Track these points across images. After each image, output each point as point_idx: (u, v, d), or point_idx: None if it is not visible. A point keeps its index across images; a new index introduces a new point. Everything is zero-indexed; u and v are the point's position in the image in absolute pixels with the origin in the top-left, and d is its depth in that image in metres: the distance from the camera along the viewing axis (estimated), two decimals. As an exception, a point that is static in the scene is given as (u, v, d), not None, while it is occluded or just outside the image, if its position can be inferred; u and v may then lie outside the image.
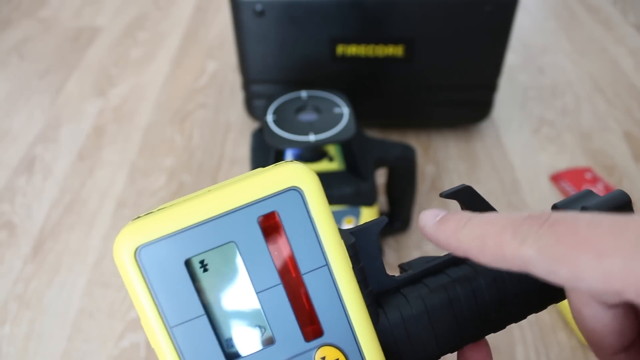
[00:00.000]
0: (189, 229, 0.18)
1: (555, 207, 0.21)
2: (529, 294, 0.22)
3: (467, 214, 0.19)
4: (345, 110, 0.52)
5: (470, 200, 0.22)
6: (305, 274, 0.19)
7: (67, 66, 0.88)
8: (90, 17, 1.02)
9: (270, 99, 0.54)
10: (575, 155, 0.70)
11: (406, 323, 0.21)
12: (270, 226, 0.19)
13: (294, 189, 0.19)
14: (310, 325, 0.19)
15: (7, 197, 0.65)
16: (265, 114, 0.52)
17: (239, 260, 0.19)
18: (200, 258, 0.19)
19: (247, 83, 0.68)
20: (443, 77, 0.66)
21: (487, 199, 0.22)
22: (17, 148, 0.72)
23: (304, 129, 0.49)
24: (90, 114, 0.78)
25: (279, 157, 0.52)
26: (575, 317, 0.20)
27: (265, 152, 0.53)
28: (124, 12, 1.04)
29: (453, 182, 0.66)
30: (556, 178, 0.66)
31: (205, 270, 0.19)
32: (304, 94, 0.54)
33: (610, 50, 0.90)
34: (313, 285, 0.19)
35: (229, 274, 0.19)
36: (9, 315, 0.53)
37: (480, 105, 0.70)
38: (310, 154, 0.53)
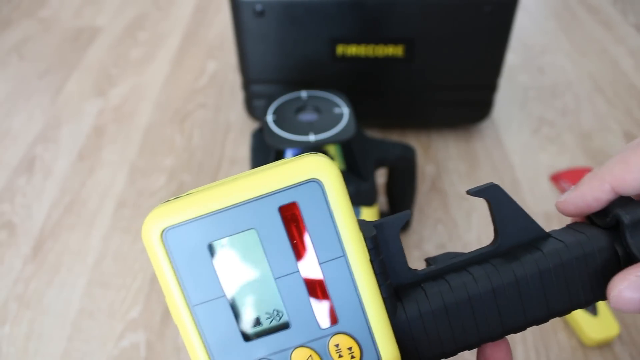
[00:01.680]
0: (213, 214, 0.19)
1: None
2: (551, 298, 0.22)
3: None
4: (345, 110, 0.52)
5: (497, 199, 0.22)
6: (322, 263, 0.20)
7: (67, 66, 0.88)
8: (90, 17, 1.02)
9: (270, 99, 0.54)
10: (575, 155, 0.70)
11: (424, 318, 0.21)
12: (290, 215, 0.19)
13: (314, 181, 0.19)
14: (326, 312, 0.20)
15: (7, 197, 0.65)
16: (265, 114, 0.52)
17: (259, 247, 0.19)
18: (222, 242, 0.19)
19: (247, 83, 0.68)
20: (443, 77, 0.66)
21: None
22: (17, 148, 0.72)
23: (304, 129, 0.49)
24: (90, 114, 0.78)
25: (278, 157, 0.52)
26: None
27: (265, 152, 0.53)
28: (124, 12, 1.04)
29: (453, 182, 0.66)
30: (556, 178, 0.66)
31: (227, 254, 0.20)
32: (304, 94, 0.54)
33: (610, 50, 0.90)
34: (330, 274, 0.20)
35: (249, 259, 0.20)
36: (9, 315, 0.53)
37: (480, 105, 0.70)
38: (310, 154, 0.53)
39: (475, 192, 0.22)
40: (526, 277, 0.21)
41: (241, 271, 0.20)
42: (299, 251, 0.20)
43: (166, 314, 0.52)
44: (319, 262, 0.20)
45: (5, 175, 0.68)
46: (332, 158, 0.53)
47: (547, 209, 0.62)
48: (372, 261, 0.20)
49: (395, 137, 0.73)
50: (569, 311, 0.22)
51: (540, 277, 0.21)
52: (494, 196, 0.22)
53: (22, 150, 0.72)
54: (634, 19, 0.98)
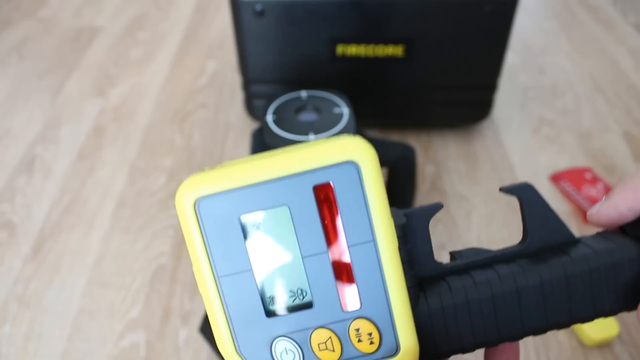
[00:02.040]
0: (247, 188, 0.19)
1: None
2: (575, 304, 0.22)
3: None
4: (345, 110, 0.52)
5: (529, 198, 0.22)
6: (351, 246, 0.20)
7: (67, 66, 0.88)
8: (90, 17, 1.02)
9: (270, 99, 0.54)
10: (575, 155, 0.70)
11: (445, 311, 0.21)
12: (324, 196, 0.19)
13: (351, 163, 0.19)
14: (350, 296, 0.20)
15: (7, 197, 0.65)
16: (265, 114, 0.52)
17: (290, 224, 0.19)
18: (254, 217, 0.19)
19: (247, 83, 0.68)
20: (443, 77, 0.66)
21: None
22: (17, 148, 0.72)
23: (304, 129, 0.49)
24: (90, 114, 0.78)
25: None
26: None
27: (265, 152, 0.53)
28: (124, 12, 1.04)
29: (453, 182, 0.66)
30: (556, 178, 0.66)
31: (258, 229, 0.19)
32: (304, 94, 0.54)
33: (610, 50, 0.90)
34: (357, 258, 0.20)
35: (279, 236, 0.20)
36: (9, 315, 0.53)
37: (480, 105, 0.70)
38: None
39: (508, 190, 0.22)
40: (551, 281, 0.21)
41: (270, 247, 0.20)
42: (329, 232, 0.20)
43: (166, 314, 0.52)
44: (348, 244, 0.20)
45: (5, 175, 0.68)
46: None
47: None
48: (399, 249, 0.20)
49: (395, 137, 0.73)
50: (591, 319, 0.22)
51: (566, 281, 0.21)
52: (526, 195, 0.22)
53: (22, 150, 0.72)
54: (634, 19, 0.98)
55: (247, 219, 0.19)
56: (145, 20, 1.01)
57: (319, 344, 0.20)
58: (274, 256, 0.20)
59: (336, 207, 0.19)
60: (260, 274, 0.20)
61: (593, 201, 0.60)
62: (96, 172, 0.68)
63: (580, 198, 0.61)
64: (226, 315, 0.20)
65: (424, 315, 0.21)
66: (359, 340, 0.20)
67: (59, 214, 0.63)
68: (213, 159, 0.70)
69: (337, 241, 0.20)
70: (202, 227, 0.19)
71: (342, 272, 0.20)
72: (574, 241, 0.23)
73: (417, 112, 0.71)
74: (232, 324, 0.20)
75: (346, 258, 0.20)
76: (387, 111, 0.70)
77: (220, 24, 0.99)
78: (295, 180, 0.19)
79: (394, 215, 0.21)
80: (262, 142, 0.54)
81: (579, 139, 0.72)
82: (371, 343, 0.20)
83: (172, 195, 0.65)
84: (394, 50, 0.63)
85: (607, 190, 0.62)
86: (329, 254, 0.20)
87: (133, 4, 1.06)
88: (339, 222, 0.19)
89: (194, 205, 0.19)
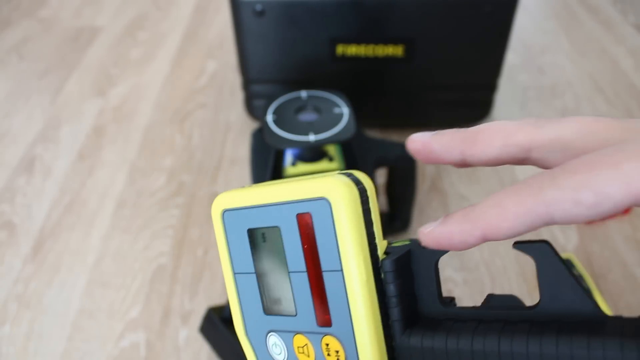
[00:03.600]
0: (254, 208, 0.23)
1: None
2: None
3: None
4: (345, 110, 0.52)
5: (543, 259, 0.19)
6: (324, 271, 0.22)
7: (67, 66, 0.88)
8: (90, 17, 1.02)
9: (270, 99, 0.54)
10: (575, 155, 0.69)
11: (424, 352, 0.21)
12: (305, 223, 0.22)
13: (324, 199, 0.21)
14: (323, 314, 0.22)
15: (7, 197, 0.65)
16: (265, 114, 0.52)
17: (280, 242, 0.23)
18: (258, 232, 0.23)
19: (247, 83, 0.68)
20: (443, 77, 0.66)
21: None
22: (17, 148, 0.72)
23: (304, 129, 0.49)
24: (90, 114, 0.78)
25: (278, 157, 0.52)
26: None
27: (265, 152, 0.53)
28: (124, 12, 1.04)
29: (453, 182, 0.66)
30: (556, 178, 0.65)
31: (264, 240, 0.23)
32: (304, 94, 0.54)
33: (610, 50, 0.90)
34: (329, 283, 0.22)
35: (273, 250, 0.23)
36: (9, 315, 0.53)
37: (480, 105, 0.70)
38: (310, 154, 0.53)
39: (522, 247, 0.20)
40: (539, 356, 0.18)
41: (267, 258, 0.23)
42: (308, 255, 0.22)
43: (166, 314, 0.52)
44: (322, 269, 0.22)
45: (5, 175, 0.68)
46: (332, 158, 0.53)
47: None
48: (388, 282, 0.21)
49: (395, 137, 0.73)
50: None
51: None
52: (540, 256, 0.20)
53: (22, 150, 0.72)
54: (634, 19, 0.98)
55: (253, 232, 0.23)
56: (145, 20, 1.01)
57: (298, 347, 0.23)
58: (270, 266, 0.23)
59: (314, 234, 0.22)
60: (261, 278, 0.24)
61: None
62: (96, 172, 0.68)
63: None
64: (239, 304, 0.25)
65: (405, 350, 0.22)
66: (329, 354, 0.22)
67: (59, 214, 0.63)
68: (213, 159, 0.70)
69: (314, 264, 0.22)
70: (225, 233, 0.24)
71: (318, 291, 0.22)
72: (598, 319, 0.19)
73: (417, 112, 0.71)
74: (243, 312, 0.25)
75: (321, 280, 0.22)
76: (387, 111, 0.70)
77: (220, 24, 0.99)
78: (286, 207, 0.22)
79: (397, 247, 0.22)
80: (262, 142, 0.54)
81: (579, 139, 0.72)
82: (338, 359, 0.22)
83: (172, 195, 0.65)
84: (394, 50, 0.63)
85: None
86: (308, 273, 0.22)
87: (133, 4, 1.06)
88: (315, 248, 0.22)
89: (221, 214, 0.24)
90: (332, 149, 0.54)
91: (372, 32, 0.62)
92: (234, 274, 0.25)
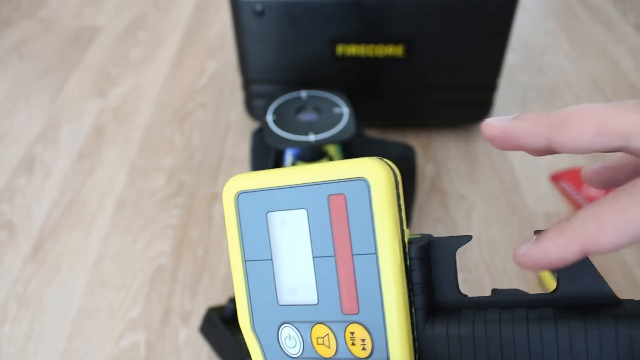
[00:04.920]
0: (276, 189, 0.22)
1: None
2: None
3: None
4: (345, 110, 0.52)
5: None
6: (355, 255, 0.21)
7: (67, 66, 0.88)
8: (90, 17, 1.02)
9: (270, 99, 0.54)
10: (575, 156, 0.70)
11: (450, 340, 0.21)
12: (337, 205, 0.21)
13: (363, 180, 0.21)
14: (349, 300, 0.21)
15: (7, 197, 0.65)
16: (265, 114, 0.52)
17: (306, 226, 0.22)
18: (278, 214, 0.22)
19: (247, 83, 0.68)
20: (443, 77, 0.66)
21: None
22: (17, 148, 0.72)
23: (304, 129, 0.49)
24: (90, 114, 0.78)
25: (279, 157, 0.52)
26: None
27: (265, 152, 0.53)
28: (124, 12, 1.04)
29: (453, 182, 0.66)
30: (556, 178, 0.66)
31: (281, 226, 0.22)
32: (303, 94, 0.54)
33: (610, 50, 0.90)
34: (360, 267, 0.21)
35: (297, 235, 0.22)
36: (9, 315, 0.53)
37: (480, 105, 0.70)
38: (310, 154, 0.53)
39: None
40: (568, 336, 0.19)
41: (288, 243, 0.22)
42: (338, 238, 0.21)
43: (166, 314, 0.52)
44: (352, 253, 0.21)
45: (5, 175, 0.68)
46: (332, 158, 0.53)
47: (546, 209, 0.62)
48: (413, 269, 0.21)
49: (395, 137, 0.73)
50: None
51: (585, 342, 0.19)
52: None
53: (22, 150, 0.72)
54: (634, 19, 0.98)
55: (273, 215, 0.22)
56: (145, 20, 1.01)
57: (317, 338, 0.22)
58: (290, 251, 0.22)
59: (347, 216, 0.21)
60: (277, 265, 0.22)
61: (593, 201, 0.60)
62: (96, 172, 0.68)
63: (581, 198, 0.61)
64: (247, 296, 0.23)
65: (429, 339, 0.21)
66: (353, 344, 0.21)
67: (59, 214, 0.63)
68: (213, 159, 0.70)
69: (344, 248, 0.21)
70: (238, 216, 0.23)
71: (346, 277, 0.21)
72: (613, 302, 0.20)
73: (417, 112, 0.71)
74: (251, 304, 0.23)
75: (350, 265, 0.21)
76: (387, 111, 0.70)
77: (220, 24, 0.99)
78: (314, 188, 0.21)
79: (416, 238, 0.22)
80: (262, 142, 0.54)
81: (579, 139, 0.72)
82: (363, 349, 0.21)
83: (172, 195, 0.65)
84: (394, 50, 0.63)
85: (607, 191, 0.62)
86: (336, 258, 0.21)
87: (133, 4, 1.06)
88: (347, 231, 0.21)
89: (235, 197, 0.23)
90: (332, 149, 0.54)
91: (372, 32, 0.62)
92: (245, 261, 0.23)
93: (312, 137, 0.48)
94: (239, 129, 0.75)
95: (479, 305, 0.22)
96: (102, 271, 0.57)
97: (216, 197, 0.64)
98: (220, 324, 0.46)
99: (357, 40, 0.63)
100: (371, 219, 0.21)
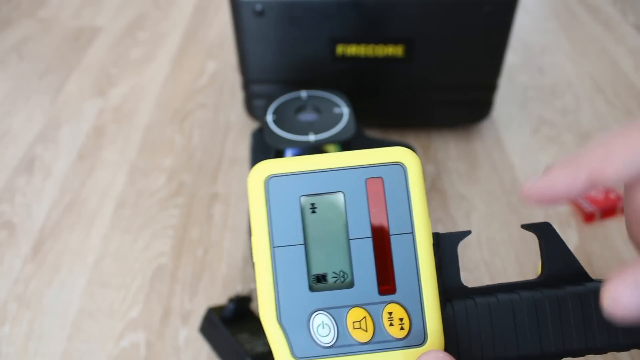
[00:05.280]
0: (311, 173, 0.23)
1: None
2: (590, 333, 0.22)
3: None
4: (345, 110, 0.52)
5: (547, 236, 0.24)
6: (393, 235, 0.22)
7: (67, 66, 0.88)
8: (90, 17, 1.02)
9: (270, 99, 0.54)
10: (575, 155, 0.70)
11: (469, 320, 0.23)
12: (374, 188, 0.22)
13: (400, 165, 0.23)
14: (386, 281, 0.22)
15: (6, 197, 0.65)
16: (265, 114, 0.52)
17: (342, 209, 0.22)
18: (313, 198, 0.23)
19: (247, 83, 0.68)
20: (443, 77, 0.66)
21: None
22: (17, 148, 0.72)
23: (304, 129, 0.49)
24: (90, 114, 0.78)
25: (278, 157, 0.52)
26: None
27: (265, 152, 0.53)
28: (124, 12, 1.04)
29: (453, 182, 0.66)
30: (556, 178, 0.65)
31: (314, 210, 0.23)
32: (303, 94, 0.54)
33: (610, 50, 0.90)
34: (397, 246, 0.22)
35: (332, 218, 0.23)
36: (8, 315, 0.53)
37: (480, 105, 0.70)
38: (310, 154, 0.53)
39: (528, 227, 0.24)
40: (568, 307, 0.22)
41: (322, 227, 0.22)
42: (375, 220, 0.22)
43: (166, 314, 0.52)
44: (390, 233, 0.22)
45: (5, 175, 0.68)
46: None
47: (546, 210, 0.62)
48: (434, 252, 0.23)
49: (395, 137, 0.73)
50: (606, 351, 0.23)
51: (582, 311, 0.22)
52: (545, 233, 0.24)
53: (22, 150, 0.72)
54: (634, 19, 0.98)
55: (306, 199, 0.23)
56: (145, 20, 1.01)
57: (353, 322, 0.22)
58: (324, 235, 0.22)
59: (384, 198, 0.22)
60: (310, 250, 0.22)
61: (593, 201, 0.60)
62: (96, 172, 0.68)
63: (580, 198, 0.61)
64: (274, 285, 0.22)
65: (450, 318, 0.23)
66: (391, 324, 0.22)
67: (59, 214, 0.63)
68: (213, 159, 0.70)
69: (381, 229, 0.22)
70: (267, 201, 0.23)
71: (383, 257, 0.22)
72: (587, 278, 0.24)
73: (417, 112, 0.71)
74: (277, 294, 0.22)
75: (387, 245, 0.22)
76: (387, 111, 0.70)
77: (220, 24, 0.99)
78: (352, 172, 0.23)
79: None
80: (262, 142, 0.54)
81: (578, 139, 0.72)
82: (401, 329, 0.22)
83: (172, 195, 0.65)
84: (394, 50, 0.63)
85: (607, 190, 0.62)
86: (373, 239, 0.22)
87: (133, 4, 1.06)
88: (384, 212, 0.22)
89: (265, 181, 0.23)
90: (332, 149, 0.54)
91: (372, 32, 0.62)
92: (273, 247, 0.22)
93: (312, 137, 0.48)
94: (239, 129, 0.75)
95: (482, 291, 0.24)
96: (102, 271, 0.57)
97: (216, 197, 0.64)
98: (220, 324, 0.46)
99: (357, 41, 0.63)
100: (408, 200, 0.22)
